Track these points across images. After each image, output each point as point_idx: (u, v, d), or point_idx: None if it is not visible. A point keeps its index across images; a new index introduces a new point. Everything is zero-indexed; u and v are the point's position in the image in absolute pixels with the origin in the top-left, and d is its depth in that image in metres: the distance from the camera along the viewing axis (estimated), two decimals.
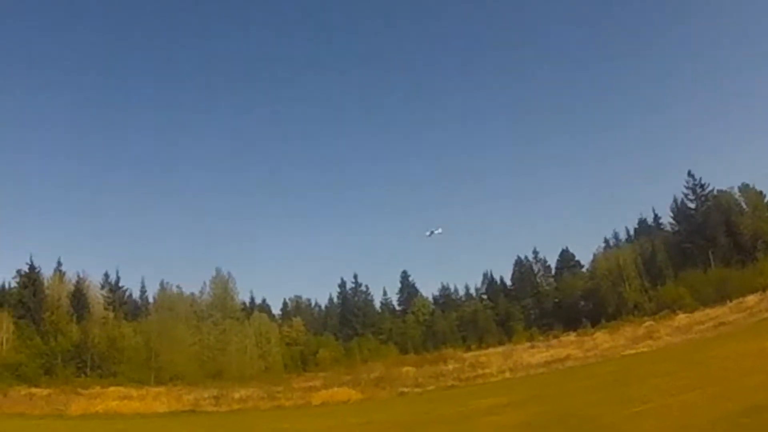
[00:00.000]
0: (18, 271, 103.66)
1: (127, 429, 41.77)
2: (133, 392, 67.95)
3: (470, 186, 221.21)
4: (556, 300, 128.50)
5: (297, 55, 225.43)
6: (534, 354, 70.62)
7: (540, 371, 54.40)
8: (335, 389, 57.11)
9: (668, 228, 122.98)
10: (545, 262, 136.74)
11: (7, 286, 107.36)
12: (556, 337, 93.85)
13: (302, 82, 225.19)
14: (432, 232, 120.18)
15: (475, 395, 39.70)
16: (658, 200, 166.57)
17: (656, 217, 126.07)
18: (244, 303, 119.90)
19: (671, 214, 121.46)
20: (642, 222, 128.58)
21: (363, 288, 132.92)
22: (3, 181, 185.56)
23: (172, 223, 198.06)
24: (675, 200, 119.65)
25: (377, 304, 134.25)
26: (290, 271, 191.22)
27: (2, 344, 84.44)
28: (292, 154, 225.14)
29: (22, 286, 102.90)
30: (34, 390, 67.77)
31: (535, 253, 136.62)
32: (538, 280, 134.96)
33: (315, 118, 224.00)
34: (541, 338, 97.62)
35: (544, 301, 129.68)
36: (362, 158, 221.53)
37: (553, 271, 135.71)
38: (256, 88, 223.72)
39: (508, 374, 56.08)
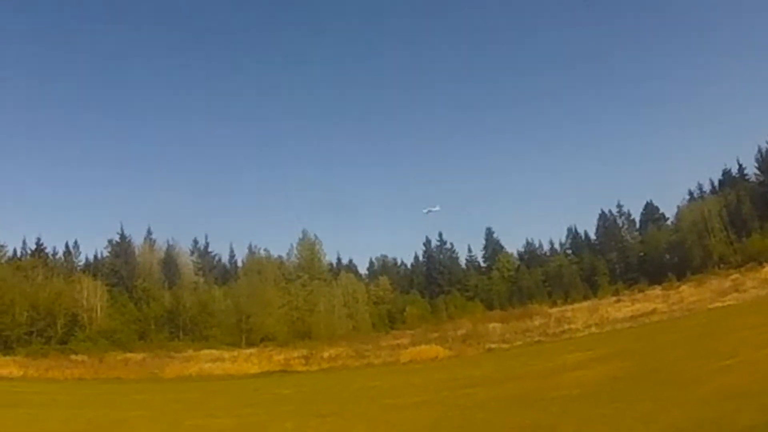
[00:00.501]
0: (109, 241, 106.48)
1: (219, 390, 41.92)
2: (225, 354, 69.10)
3: (552, 136, 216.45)
4: (641, 254, 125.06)
5: None
6: (619, 308, 69.11)
7: (626, 326, 53.47)
8: (423, 347, 56.92)
9: (753, 179, 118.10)
10: (629, 215, 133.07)
11: (99, 255, 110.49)
12: (641, 291, 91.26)
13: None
14: (429, 210, 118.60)
15: (562, 350, 38.91)
16: (742, 150, 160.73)
17: (741, 168, 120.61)
18: (331, 264, 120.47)
19: (756, 165, 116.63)
20: (726, 173, 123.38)
21: (448, 246, 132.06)
22: (92, 152, 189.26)
23: (259, 188, 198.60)
24: (760, 150, 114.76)
25: (462, 262, 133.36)
26: (376, 231, 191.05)
27: (97, 312, 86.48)
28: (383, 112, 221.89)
29: (114, 255, 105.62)
30: (129, 355, 69.67)
31: (619, 206, 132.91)
32: (623, 234, 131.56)
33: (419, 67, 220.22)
34: (626, 292, 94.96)
35: (628, 255, 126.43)
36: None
37: (637, 225, 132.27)
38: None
39: (594, 329, 55.15)
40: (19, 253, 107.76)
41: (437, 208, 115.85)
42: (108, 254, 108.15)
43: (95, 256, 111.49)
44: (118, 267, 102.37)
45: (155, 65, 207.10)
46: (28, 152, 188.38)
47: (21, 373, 55.24)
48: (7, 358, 64.83)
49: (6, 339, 77.57)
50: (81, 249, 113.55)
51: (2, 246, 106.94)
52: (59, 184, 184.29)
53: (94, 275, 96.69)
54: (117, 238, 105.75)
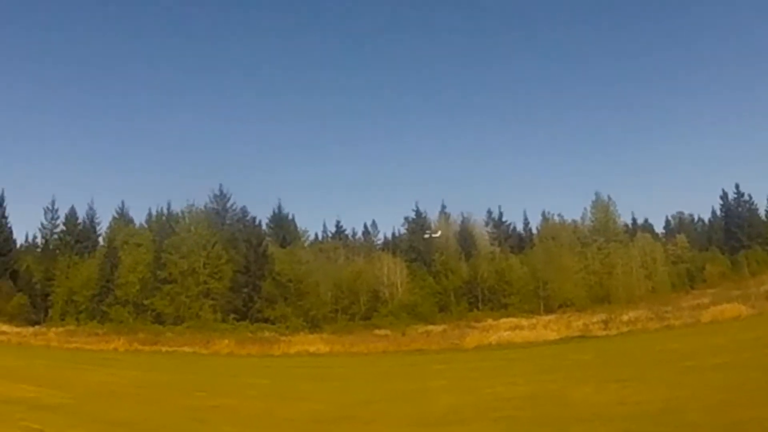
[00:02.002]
0: (405, 218, 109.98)
1: (518, 358, 42.07)
2: (524, 322, 68.97)
3: None
4: None
5: None
6: None
7: None
8: (724, 305, 53.61)
9: None
10: None
11: (396, 233, 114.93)
12: None
13: None
14: (430, 235, 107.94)
15: None
16: None
17: None
18: (626, 224, 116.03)
19: None
20: None
21: (746, 198, 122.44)
22: (387, 140, 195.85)
23: (548, 153, 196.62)
24: None
25: (762, 214, 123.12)
26: (670, 187, 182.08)
27: (398, 287, 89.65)
28: None
29: (411, 231, 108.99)
30: (430, 327, 71.71)
31: None
32: None
33: None
34: None
35: None
36: None
37: None
38: None
39: None
40: (320, 237, 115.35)
41: (438, 235, 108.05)
42: (405, 231, 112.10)
43: (393, 234, 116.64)
44: (416, 243, 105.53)
45: None
46: (328, 143, 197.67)
47: (327, 349, 58.41)
48: (315, 335, 68.78)
49: (312, 318, 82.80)
50: (379, 228, 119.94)
51: (305, 231, 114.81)
52: (356, 168, 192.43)
53: (393, 252, 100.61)
54: (413, 215, 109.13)
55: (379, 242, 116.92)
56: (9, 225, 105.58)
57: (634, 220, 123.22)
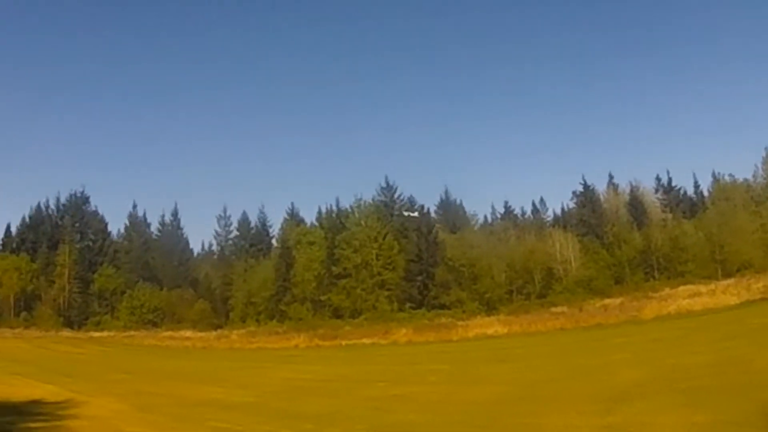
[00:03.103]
0: (573, 192, 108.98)
1: (698, 326, 41.55)
2: (702, 288, 67.14)
3: None
4: None
5: None
6: None
7: None
8: None
9: None
10: None
11: (565, 208, 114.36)
12: None
13: None
14: (409, 214, 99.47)
15: None
16: None
17: None
18: None
19: None
20: None
21: None
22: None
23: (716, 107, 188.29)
24: None
25: None
26: None
27: (571, 263, 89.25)
28: None
29: (580, 205, 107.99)
30: (606, 301, 70.59)
31: None
32: None
33: None
34: None
35: None
36: None
37: None
38: None
39: None
40: (489, 219, 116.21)
41: (415, 214, 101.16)
42: (574, 205, 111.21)
43: (562, 209, 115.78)
44: (586, 216, 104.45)
45: None
46: (489, 124, 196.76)
47: (505, 330, 58.99)
48: (491, 317, 69.53)
49: (488, 300, 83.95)
50: (547, 204, 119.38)
51: (474, 214, 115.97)
52: (521, 145, 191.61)
53: (564, 228, 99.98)
54: (580, 188, 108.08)
55: (548, 219, 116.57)
56: (185, 235, 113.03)
57: None
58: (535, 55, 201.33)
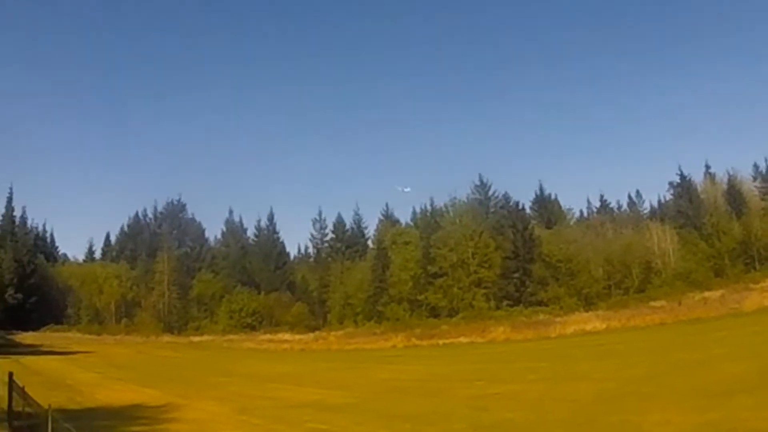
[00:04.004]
0: (670, 183, 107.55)
1: None
2: None
3: None
4: None
5: None
6: None
7: None
8: None
9: None
10: None
11: (662, 199, 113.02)
12: None
13: None
14: (402, 190, 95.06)
15: None
16: None
17: None
18: None
19: None
20: None
21: None
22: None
23: None
24: None
25: None
26: None
27: (669, 256, 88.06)
28: None
29: (678, 196, 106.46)
30: (706, 294, 69.37)
31: None
32: None
33: None
34: None
35: None
36: None
37: None
38: None
39: None
40: (585, 213, 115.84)
41: (408, 189, 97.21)
42: (671, 197, 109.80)
43: (659, 201, 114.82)
44: (683, 207, 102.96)
45: None
46: (582, 118, 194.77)
47: (604, 326, 59.60)
48: (589, 313, 69.53)
49: (586, 296, 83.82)
50: (644, 197, 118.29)
51: (569, 209, 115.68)
52: (616, 138, 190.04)
53: (661, 220, 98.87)
54: (677, 179, 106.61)
55: (645, 211, 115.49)
56: (281, 239, 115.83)
57: None
58: (626, 47, 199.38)
